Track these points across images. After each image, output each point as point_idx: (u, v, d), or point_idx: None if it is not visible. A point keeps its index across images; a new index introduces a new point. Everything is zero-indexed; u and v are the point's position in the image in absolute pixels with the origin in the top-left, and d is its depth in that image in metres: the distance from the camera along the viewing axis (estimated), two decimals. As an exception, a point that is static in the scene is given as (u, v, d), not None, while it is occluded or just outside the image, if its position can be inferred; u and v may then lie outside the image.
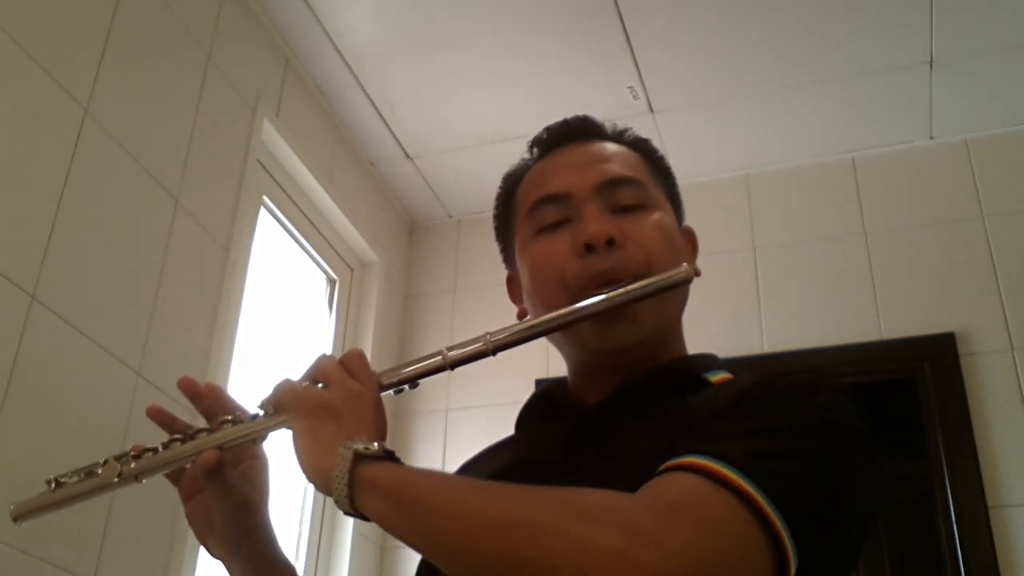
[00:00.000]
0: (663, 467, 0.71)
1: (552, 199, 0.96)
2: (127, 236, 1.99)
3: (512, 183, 1.07)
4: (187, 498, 0.93)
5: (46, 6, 1.84)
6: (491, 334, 0.87)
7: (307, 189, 2.79)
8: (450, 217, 3.35)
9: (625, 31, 2.58)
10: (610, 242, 0.90)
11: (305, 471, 0.79)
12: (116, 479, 0.88)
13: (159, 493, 2.02)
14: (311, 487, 2.70)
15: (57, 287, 1.77)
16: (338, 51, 2.69)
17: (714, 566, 0.63)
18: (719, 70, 2.72)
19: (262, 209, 2.60)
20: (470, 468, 1.02)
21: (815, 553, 0.70)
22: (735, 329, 2.75)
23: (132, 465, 0.88)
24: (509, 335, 0.87)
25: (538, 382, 2.83)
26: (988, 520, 2.40)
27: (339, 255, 3.00)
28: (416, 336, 3.19)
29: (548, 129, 1.05)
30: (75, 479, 0.90)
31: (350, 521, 2.73)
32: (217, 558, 0.93)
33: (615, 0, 2.48)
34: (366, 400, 0.82)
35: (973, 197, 2.81)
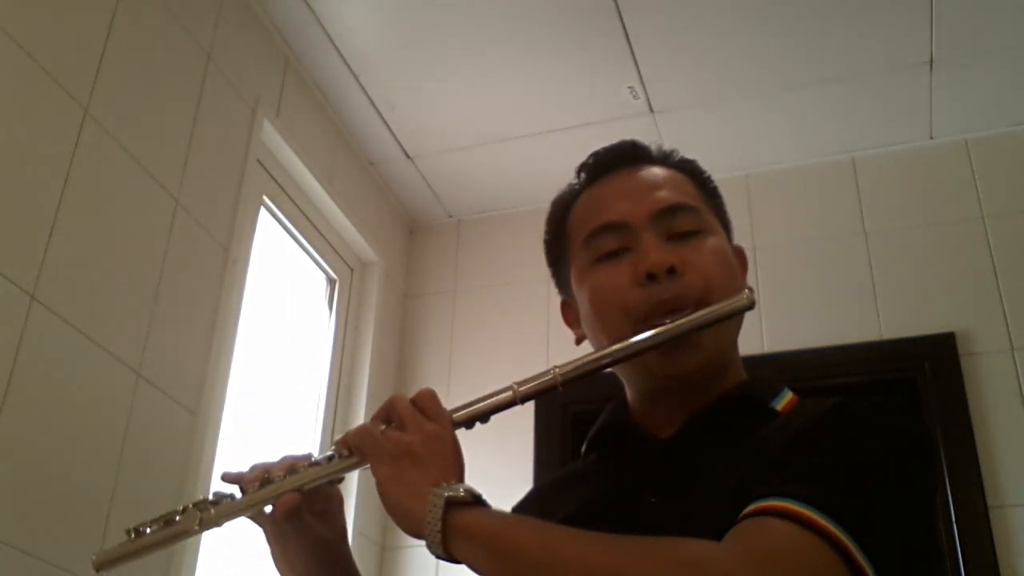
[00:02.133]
0: (749, 510, 0.73)
1: (609, 228, 0.97)
2: (127, 236, 1.99)
3: (562, 209, 1.07)
4: (271, 538, 0.94)
5: (46, 6, 1.84)
6: (559, 367, 0.88)
7: (307, 189, 2.79)
8: (450, 217, 3.35)
9: (625, 31, 2.58)
10: (671, 270, 0.92)
11: (394, 516, 0.81)
12: (197, 526, 0.90)
13: (159, 493, 2.02)
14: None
15: (57, 287, 1.77)
16: (338, 51, 2.69)
17: None
18: (719, 70, 2.72)
19: (262, 209, 2.60)
20: (543, 499, 1.02)
21: None
22: (735, 329, 2.75)
23: (212, 512, 0.90)
24: (577, 368, 0.89)
25: (538, 382, 2.82)
26: (988, 520, 2.40)
27: (339, 255, 3.00)
28: (416, 336, 3.19)
29: (595, 155, 1.06)
30: (155, 527, 0.91)
31: (350, 521, 2.73)
32: None
33: (615, 0, 2.48)
34: (445, 441, 0.84)
35: (973, 197, 2.81)
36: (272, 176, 2.65)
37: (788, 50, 2.64)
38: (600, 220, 0.98)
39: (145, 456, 1.93)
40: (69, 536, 1.73)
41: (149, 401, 1.96)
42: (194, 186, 2.20)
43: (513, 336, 2.94)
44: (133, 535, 0.90)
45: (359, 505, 2.75)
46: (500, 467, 2.55)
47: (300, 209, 2.79)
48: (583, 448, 1.04)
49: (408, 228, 3.38)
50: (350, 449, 0.87)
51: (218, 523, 0.89)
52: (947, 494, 2.46)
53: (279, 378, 2.67)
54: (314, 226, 2.86)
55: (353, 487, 2.76)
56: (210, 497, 0.90)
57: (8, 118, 1.72)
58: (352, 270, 3.06)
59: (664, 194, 0.98)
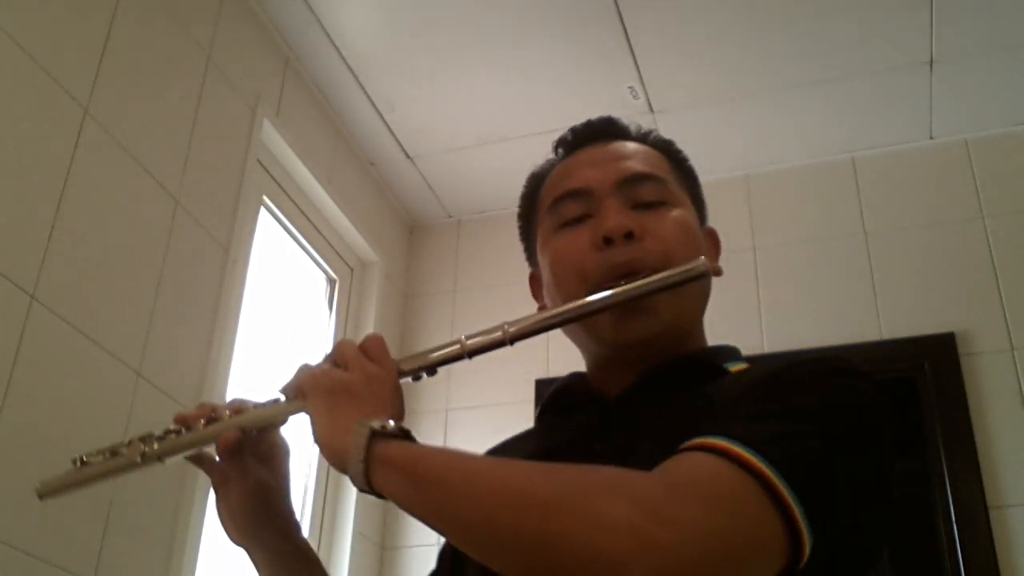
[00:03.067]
0: (680, 447, 0.72)
1: (573, 194, 0.97)
2: (127, 236, 1.99)
3: (536, 182, 1.07)
4: (216, 486, 0.94)
5: (46, 6, 1.84)
6: (509, 324, 0.87)
7: (307, 189, 2.79)
8: (450, 217, 3.35)
9: (625, 31, 2.58)
10: (629, 235, 0.91)
11: (322, 449, 0.80)
12: (139, 459, 0.89)
13: (159, 492, 2.02)
14: (310, 488, 2.71)
15: (57, 287, 1.77)
16: (338, 51, 2.69)
17: (725, 544, 0.64)
18: (719, 70, 2.72)
19: (262, 209, 2.60)
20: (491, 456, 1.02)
21: (833, 536, 0.70)
22: (735, 329, 2.74)
23: (155, 446, 0.89)
24: (527, 325, 0.88)
25: (538, 382, 2.83)
26: (988, 520, 2.40)
27: (339, 255, 3.00)
28: (416, 336, 3.19)
29: (572, 130, 1.06)
30: (100, 458, 0.91)
31: (350, 521, 2.73)
32: (235, 543, 0.94)
33: (615, 0, 2.48)
34: (384, 382, 0.83)
35: (973, 197, 2.81)
36: (272, 176, 2.65)
37: (788, 50, 2.64)
38: (564, 187, 0.98)
39: (145, 456, 1.93)
40: (69, 536, 1.73)
41: (149, 401, 1.96)
42: (194, 186, 2.20)
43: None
44: (79, 464, 0.91)
45: (359, 505, 2.75)
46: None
47: (300, 209, 2.79)
48: (537, 413, 1.04)
49: (408, 228, 3.38)
50: (294, 391, 0.87)
51: (161, 458, 0.90)
52: (947, 494, 2.46)
53: (279, 378, 2.66)
54: (314, 226, 2.86)
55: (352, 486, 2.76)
56: (156, 433, 0.91)
57: (8, 118, 1.73)
58: (352, 270, 3.06)
59: (630, 164, 0.98)
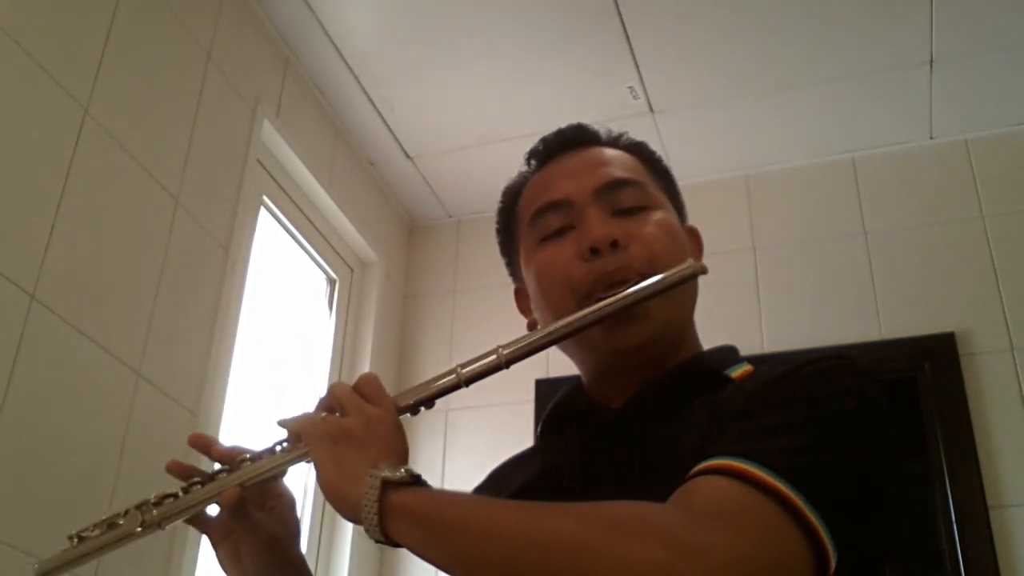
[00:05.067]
0: (695, 471, 0.71)
1: (553, 206, 0.96)
2: (127, 236, 1.99)
3: (512, 196, 1.07)
4: (217, 543, 0.92)
5: (46, 6, 1.84)
6: (503, 347, 0.87)
7: (307, 189, 2.79)
8: (450, 217, 3.35)
9: (625, 31, 2.58)
10: (614, 244, 0.91)
11: (330, 500, 0.78)
12: (139, 528, 0.90)
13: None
14: (310, 488, 2.70)
15: (57, 287, 1.77)
16: (338, 51, 2.69)
17: (752, 569, 0.64)
18: (719, 70, 2.72)
19: (262, 209, 2.60)
20: (496, 479, 1.01)
21: (852, 543, 0.70)
22: (735, 329, 2.75)
23: (154, 512, 0.90)
24: (521, 347, 0.87)
25: (538, 383, 2.82)
26: (988, 520, 2.40)
27: (339, 255, 3.00)
28: (416, 336, 3.19)
29: (544, 140, 1.06)
30: (97, 532, 0.91)
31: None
32: None
33: (615, 0, 2.48)
34: (385, 423, 0.81)
35: (973, 197, 2.81)
36: (272, 176, 2.65)
37: (788, 50, 2.64)
38: (543, 200, 0.98)
39: (145, 456, 1.93)
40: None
41: (149, 401, 1.96)
42: (194, 186, 2.20)
43: (513, 336, 2.94)
44: (76, 541, 0.90)
45: (359, 505, 2.74)
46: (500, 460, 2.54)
47: (300, 209, 2.79)
48: (538, 431, 1.03)
49: (408, 228, 3.38)
50: (292, 439, 0.85)
51: (160, 525, 0.89)
52: (947, 494, 2.46)
53: (279, 378, 2.67)
54: (314, 226, 2.86)
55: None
56: (151, 499, 0.91)
57: (8, 118, 1.73)
58: (352, 270, 3.06)
59: (607, 170, 0.97)
